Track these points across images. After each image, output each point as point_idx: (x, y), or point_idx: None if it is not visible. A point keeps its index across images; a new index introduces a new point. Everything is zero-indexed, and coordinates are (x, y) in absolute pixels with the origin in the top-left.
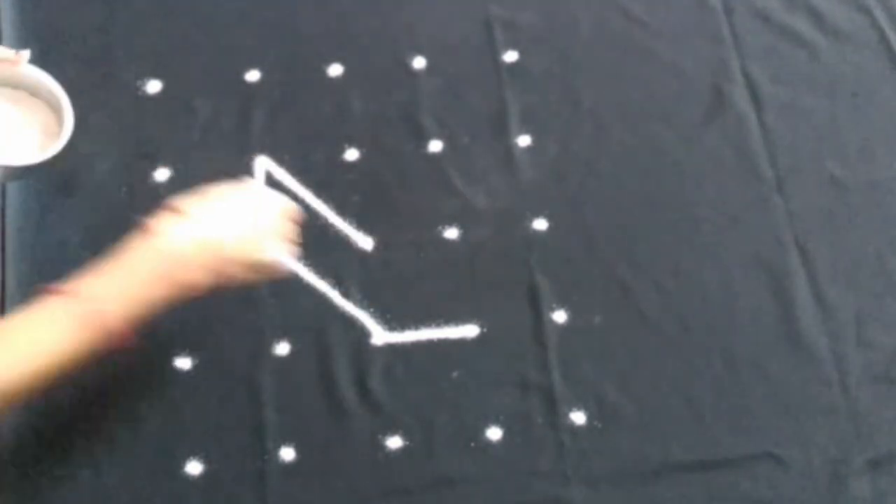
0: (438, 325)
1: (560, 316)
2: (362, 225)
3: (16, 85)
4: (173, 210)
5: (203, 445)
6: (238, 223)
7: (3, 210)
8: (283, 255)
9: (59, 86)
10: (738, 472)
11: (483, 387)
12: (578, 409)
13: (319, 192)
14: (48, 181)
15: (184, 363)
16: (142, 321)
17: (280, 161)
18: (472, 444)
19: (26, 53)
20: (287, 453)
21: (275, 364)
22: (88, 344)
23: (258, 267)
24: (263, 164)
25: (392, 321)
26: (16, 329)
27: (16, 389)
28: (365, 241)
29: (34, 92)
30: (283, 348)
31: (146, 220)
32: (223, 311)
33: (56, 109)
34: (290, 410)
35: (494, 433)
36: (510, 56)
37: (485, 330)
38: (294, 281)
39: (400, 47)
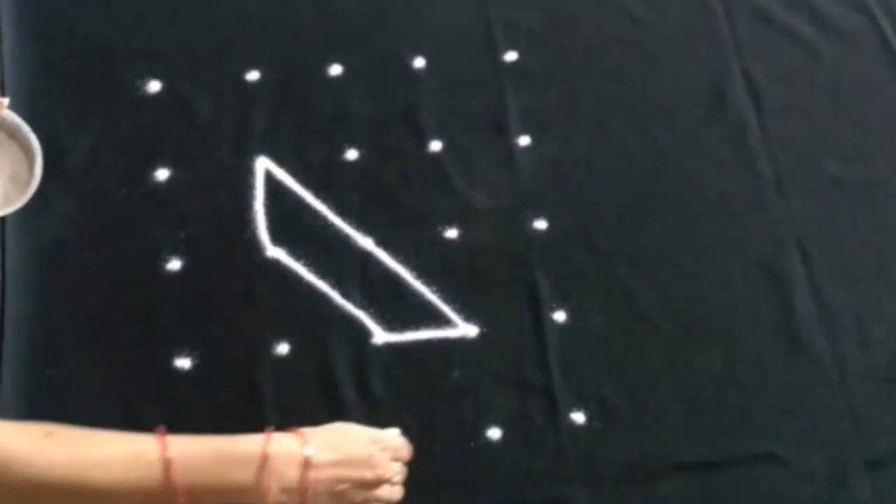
0: (438, 325)
1: (560, 316)
2: (362, 225)
3: None
4: (294, 431)
5: None
6: (352, 468)
7: None
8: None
9: (34, 137)
10: (738, 472)
11: (483, 387)
12: (578, 409)
13: (319, 192)
14: (48, 181)
15: (184, 363)
16: None
17: (280, 161)
18: (472, 444)
19: (5, 101)
20: None
21: (275, 364)
22: (152, 493)
23: None
24: (263, 164)
25: (392, 321)
26: (109, 442)
27: (71, 492)
28: (365, 241)
29: (10, 137)
30: (283, 348)
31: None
32: (223, 311)
33: (30, 159)
34: (290, 410)
35: (494, 433)
36: (510, 56)
37: (485, 330)
38: (294, 281)
39: (400, 47)
